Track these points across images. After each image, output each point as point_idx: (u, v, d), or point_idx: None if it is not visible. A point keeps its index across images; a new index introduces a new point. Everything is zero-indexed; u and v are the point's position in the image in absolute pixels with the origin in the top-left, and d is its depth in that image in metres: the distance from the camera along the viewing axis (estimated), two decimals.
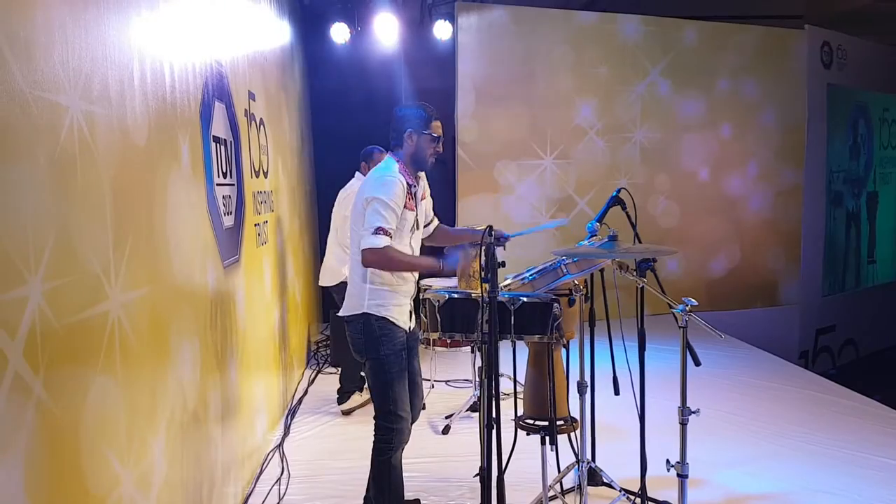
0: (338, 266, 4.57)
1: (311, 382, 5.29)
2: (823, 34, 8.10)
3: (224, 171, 3.17)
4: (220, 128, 3.13)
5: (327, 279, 4.72)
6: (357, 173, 4.83)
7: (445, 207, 7.11)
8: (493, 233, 2.34)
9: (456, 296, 2.63)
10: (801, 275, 8.17)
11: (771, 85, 7.81)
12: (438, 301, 2.63)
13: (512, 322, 2.60)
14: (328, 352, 5.88)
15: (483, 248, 2.30)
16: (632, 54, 7.30)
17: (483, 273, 2.30)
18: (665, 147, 7.58)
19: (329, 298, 4.86)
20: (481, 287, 2.31)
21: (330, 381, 5.14)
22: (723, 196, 7.87)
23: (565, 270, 2.81)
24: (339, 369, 4.79)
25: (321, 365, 5.71)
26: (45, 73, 1.49)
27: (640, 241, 3.01)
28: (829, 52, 8.19)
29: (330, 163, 7.17)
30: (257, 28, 4.28)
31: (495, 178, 7.07)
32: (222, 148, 3.15)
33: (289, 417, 4.46)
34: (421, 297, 2.84)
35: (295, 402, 4.79)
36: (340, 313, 2.91)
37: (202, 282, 2.68)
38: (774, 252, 8.11)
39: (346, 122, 7.30)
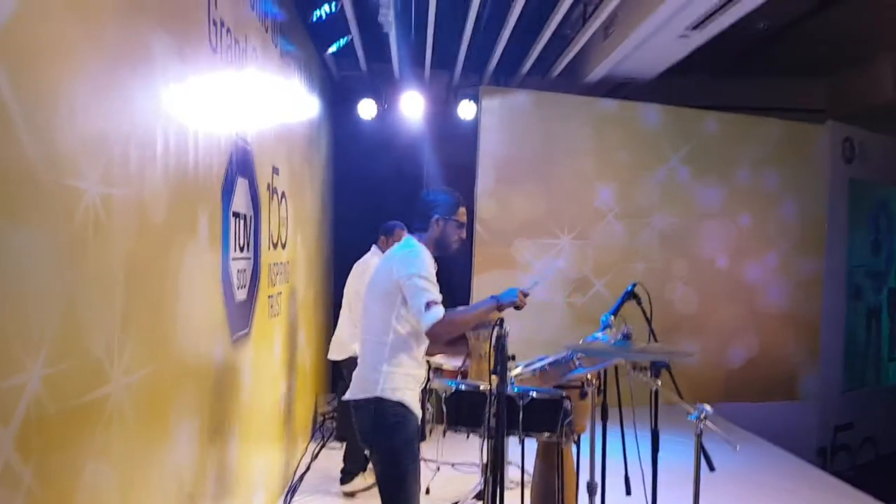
0: (348, 341, 4.54)
1: (314, 457, 5.19)
2: (845, 129, 8.14)
3: (241, 245, 3.19)
4: (241, 203, 3.16)
5: (336, 353, 4.69)
6: (374, 247, 4.84)
7: (461, 282, 7.11)
8: (504, 326, 2.31)
9: (463, 388, 2.58)
10: (820, 369, 7.99)
11: (792, 177, 7.83)
12: (445, 392, 2.59)
13: (521, 418, 2.54)
14: (334, 425, 5.79)
15: (493, 339, 2.27)
16: (652, 140, 7.37)
17: (492, 365, 2.26)
18: (684, 233, 7.56)
19: (338, 369, 4.81)
20: (489, 379, 2.27)
21: (334, 457, 5.03)
22: (741, 285, 7.79)
23: (577, 363, 2.77)
24: (344, 444, 4.70)
25: (326, 439, 5.61)
26: (64, 156, 1.51)
27: (654, 338, 2.96)
28: (851, 148, 8.22)
29: (348, 233, 7.22)
30: (287, 103, 4.38)
31: (512, 255, 7.07)
32: (241, 223, 3.18)
33: (288, 495, 4.35)
34: (427, 387, 2.79)
35: (296, 480, 4.68)
36: (347, 397, 2.84)
37: (208, 357, 2.66)
38: (793, 344, 7.97)
39: (367, 193, 7.40)
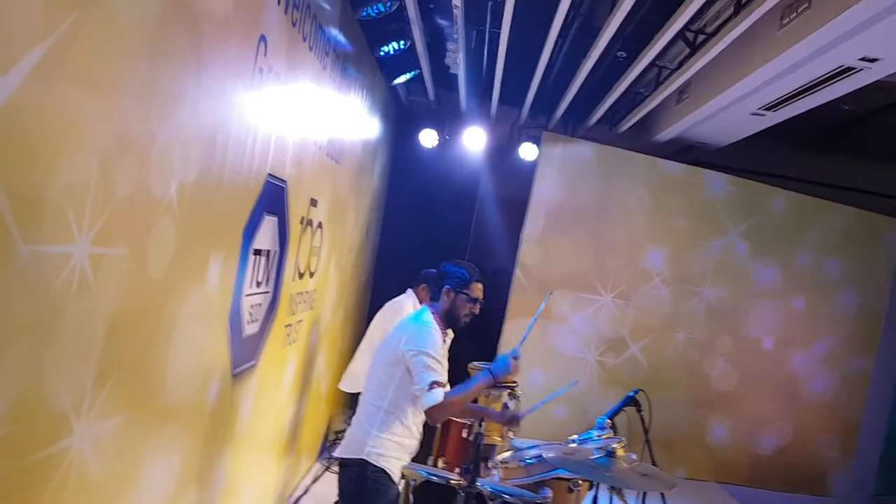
0: (362, 375, 4.54)
1: (315, 480, 5.22)
2: None
3: (259, 280, 3.23)
4: (265, 240, 3.20)
5: (348, 385, 4.71)
6: (410, 290, 4.85)
7: (494, 324, 7.05)
8: (482, 423, 2.28)
9: (435, 479, 2.54)
10: (852, 469, 7.62)
11: (855, 267, 7.50)
12: (415, 480, 2.56)
13: None
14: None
15: (475, 440, 2.23)
16: (713, 210, 7.17)
17: (454, 464, 2.22)
18: (733, 308, 7.32)
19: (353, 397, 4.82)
20: (459, 477, 2.23)
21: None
22: (784, 370, 7.49)
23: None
24: None
25: (332, 461, 5.63)
26: (50, 230, 1.55)
27: (651, 452, 2.86)
28: None
29: (394, 258, 7.26)
30: (339, 133, 4.42)
31: (549, 305, 6.96)
32: (263, 259, 3.22)
33: None
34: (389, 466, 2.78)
35: (293, 502, 4.71)
36: (336, 453, 2.87)
37: (197, 396, 2.69)
38: (829, 440, 7.62)
39: (419, 220, 7.44)
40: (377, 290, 7.22)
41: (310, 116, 3.65)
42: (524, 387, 6.47)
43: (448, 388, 2.75)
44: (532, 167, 7.00)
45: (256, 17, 2.65)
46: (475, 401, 3.44)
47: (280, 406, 4.13)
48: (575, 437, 3.01)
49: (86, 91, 1.59)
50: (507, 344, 6.79)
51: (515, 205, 7.07)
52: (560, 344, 6.99)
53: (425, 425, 3.06)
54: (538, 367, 6.89)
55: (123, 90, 1.76)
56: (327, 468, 5.49)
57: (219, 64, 2.35)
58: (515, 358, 2.98)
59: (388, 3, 4.07)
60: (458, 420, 3.80)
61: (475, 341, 7.68)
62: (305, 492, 4.96)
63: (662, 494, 2.75)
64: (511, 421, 3.07)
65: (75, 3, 1.49)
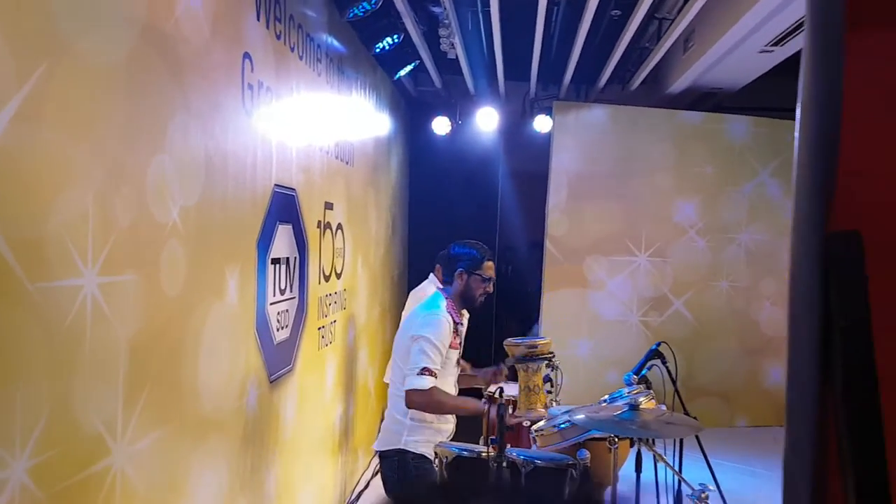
0: None
1: (375, 473, 5.34)
2: None
3: (282, 288, 3.34)
4: (282, 248, 3.30)
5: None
6: (431, 275, 4.92)
7: (532, 299, 7.08)
8: (502, 393, 2.34)
9: (465, 454, 2.62)
10: None
11: None
12: (446, 457, 2.63)
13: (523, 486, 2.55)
14: None
15: (495, 415, 2.30)
16: (739, 154, 7.06)
17: (491, 435, 2.29)
18: (773, 250, 7.21)
19: None
20: (487, 447, 2.30)
21: None
22: None
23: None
24: None
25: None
26: (54, 266, 1.66)
27: (682, 401, 2.88)
28: None
29: (425, 243, 7.34)
30: (347, 135, 4.50)
31: (584, 273, 6.96)
32: (282, 267, 3.33)
33: None
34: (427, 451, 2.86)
35: (353, 497, 4.85)
36: (375, 446, 2.96)
37: (237, 405, 2.81)
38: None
39: (441, 207, 7.50)
40: (413, 281, 7.29)
41: (310, 123, 3.73)
42: (572, 356, 6.55)
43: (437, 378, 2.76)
44: (548, 139, 6.99)
45: (236, 35, 2.74)
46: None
47: (326, 406, 4.25)
48: (606, 396, 3.05)
49: (69, 131, 1.69)
50: (546, 316, 6.82)
51: (538, 178, 7.08)
52: (601, 310, 6.99)
53: None
54: (584, 337, 6.92)
55: (107, 125, 1.86)
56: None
57: (204, 86, 2.44)
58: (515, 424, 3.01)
59: (374, 1, 4.12)
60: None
61: (516, 316, 7.74)
62: (367, 486, 5.10)
63: (699, 441, 2.77)
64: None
65: (44, 54, 1.58)
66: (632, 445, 3.12)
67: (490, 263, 3.01)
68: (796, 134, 0.83)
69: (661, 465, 2.91)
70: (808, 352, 0.81)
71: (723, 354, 7.10)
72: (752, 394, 7.27)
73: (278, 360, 3.28)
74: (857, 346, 0.76)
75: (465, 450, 2.63)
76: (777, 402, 7.48)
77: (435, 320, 2.80)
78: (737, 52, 5.62)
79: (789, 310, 0.89)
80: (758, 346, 7.25)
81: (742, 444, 6.38)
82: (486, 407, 2.79)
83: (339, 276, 4.44)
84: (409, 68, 5.51)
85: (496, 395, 2.31)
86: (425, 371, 2.68)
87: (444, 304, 2.89)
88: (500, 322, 7.65)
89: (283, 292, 3.34)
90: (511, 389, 4.40)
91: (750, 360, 7.25)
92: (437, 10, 5.40)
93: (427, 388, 2.68)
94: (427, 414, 2.80)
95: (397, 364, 2.88)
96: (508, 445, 2.40)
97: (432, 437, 2.80)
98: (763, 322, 7.26)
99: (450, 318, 2.83)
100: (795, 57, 5.87)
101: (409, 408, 2.77)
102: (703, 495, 2.43)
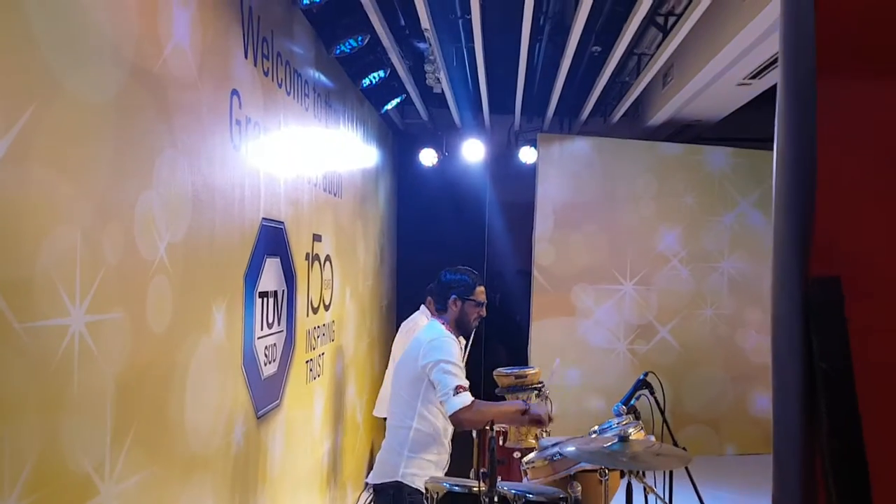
0: None
1: None
2: None
3: (270, 321, 3.34)
4: (270, 282, 3.31)
5: (381, 409, 4.78)
6: (422, 306, 4.94)
7: (520, 329, 7.10)
8: (493, 427, 2.34)
9: (457, 489, 2.61)
10: None
11: None
12: (437, 493, 2.62)
13: None
14: None
15: (485, 444, 2.30)
16: (719, 184, 7.16)
17: (481, 468, 2.29)
18: (755, 278, 7.27)
19: None
20: (479, 484, 2.30)
21: None
22: None
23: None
24: None
25: (366, 488, 5.70)
26: (42, 306, 1.66)
27: (670, 432, 2.89)
28: None
29: (414, 274, 7.35)
30: (334, 168, 4.53)
31: (572, 301, 6.99)
32: (270, 301, 3.33)
33: None
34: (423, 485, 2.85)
35: None
36: (370, 479, 2.95)
37: (224, 442, 2.79)
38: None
39: (430, 238, 7.53)
40: (401, 311, 7.30)
41: (298, 157, 3.76)
42: (561, 387, 6.54)
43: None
44: (534, 170, 7.06)
45: (224, 73, 2.77)
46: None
47: (314, 441, 4.22)
48: (596, 427, 3.06)
49: (57, 172, 1.71)
50: (535, 346, 6.83)
51: (525, 208, 7.14)
52: (589, 338, 7.01)
53: (455, 438, 3.12)
54: (572, 366, 6.92)
55: (95, 165, 1.87)
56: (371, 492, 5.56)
57: (192, 124, 2.47)
58: (551, 420, 3.06)
59: (360, 38, 4.19)
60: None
61: (506, 345, 7.74)
62: None
63: (689, 472, 2.78)
64: (534, 422, 3.11)
65: (33, 97, 1.60)
66: (622, 477, 3.12)
67: (482, 288, 3.05)
68: (773, 181, 0.86)
69: (651, 496, 2.90)
70: (792, 396, 0.83)
71: (710, 382, 7.13)
72: (740, 421, 7.28)
73: (266, 395, 3.27)
74: (841, 389, 0.78)
75: (457, 485, 2.62)
76: (766, 430, 7.48)
77: (442, 343, 2.83)
78: (715, 86, 5.73)
79: (773, 354, 0.91)
80: (744, 374, 7.28)
81: (732, 473, 6.38)
82: (525, 408, 2.84)
83: (327, 308, 4.43)
84: (395, 102, 5.57)
85: (487, 428, 2.31)
86: (459, 388, 2.70)
87: (443, 329, 2.92)
88: (490, 350, 7.65)
89: (270, 326, 3.34)
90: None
91: (737, 387, 7.27)
92: (422, 45, 5.48)
93: (469, 403, 2.69)
94: (430, 447, 2.80)
95: (400, 396, 2.89)
96: (500, 479, 2.40)
97: (429, 470, 2.80)
98: (749, 350, 7.29)
99: (454, 339, 2.86)
100: (773, 89, 5.99)
101: (461, 428, 2.79)
102: None
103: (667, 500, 2.85)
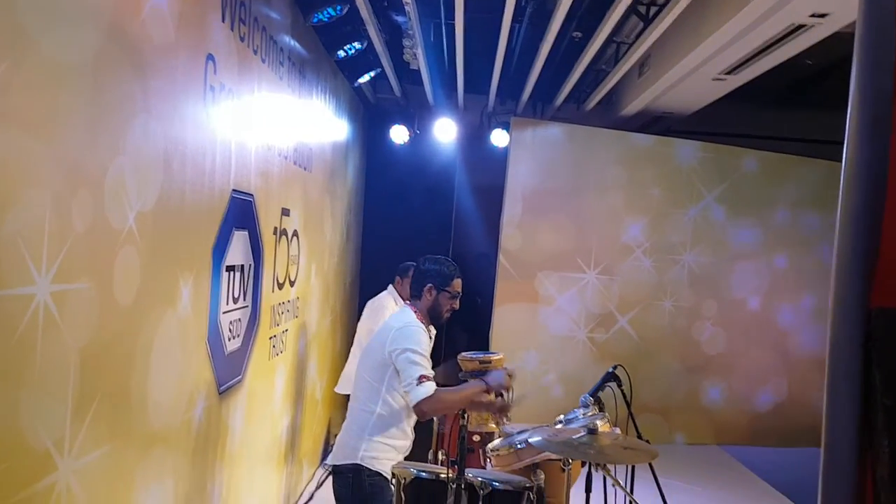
0: None
1: (319, 485, 5.26)
2: None
3: (236, 296, 3.26)
4: (237, 256, 3.22)
5: (344, 387, 4.74)
6: (390, 286, 4.89)
7: (483, 314, 7.10)
8: (465, 415, 2.32)
9: (424, 475, 2.59)
10: None
11: (834, 220, 7.56)
12: (405, 479, 2.60)
13: None
14: None
15: (459, 433, 2.28)
16: (686, 178, 7.23)
17: (453, 457, 2.27)
18: (715, 272, 7.40)
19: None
20: (448, 470, 2.28)
21: None
22: (773, 328, 7.58)
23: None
24: None
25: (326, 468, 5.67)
26: (8, 274, 1.57)
27: (635, 425, 2.91)
28: None
29: (379, 255, 7.29)
30: (304, 140, 4.43)
31: (535, 288, 7.02)
32: (237, 275, 3.24)
33: None
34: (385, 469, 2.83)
35: None
36: (329, 461, 2.92)
37: (185, 418, 2.72)
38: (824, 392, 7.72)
39: (398, 216, 7.47)
40: (365, 289, 7.23)
41: (270, 128, 3.66)
42: (518, 370, 6.57)
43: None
44: (505, 153, 7.03)
45: (201, 37, 2.66)
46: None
47: (274, 417, 4.16)
48: (561, 417, 3.07)
49: (29, 134, 1.61)
50: (497, 330, 6.85)
51: (493, 191, 7.11)
52: (550, 324, 7.06)
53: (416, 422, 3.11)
54: (531, 349, 6.96)
55: (68, 127, 1.78)
56: (330, 473, 5.53)
57: (166, 88, 2.37)
58: (511, 376, 3.04)
59: (339, 7, 4.08)
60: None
61: (468, 330, 7.74)
62: (311, 498, 5.01)
63: (650, 465, 2.81)
64: (501, 410, 3.11)
65: (3, 55, 1.50)
66: (583, 465, 3.14)
67: (459, 281, 3.03)
68: (839, 208, 0.83)
69: (610, 484, 2.93)
70: (848, 426, 0.81)
71: (664, 372, 7.24)
72: (691, 411, 7.43)
73: (228, 370, 3.20)
74: None
75: (424, 471, 2.60)
76: (715, 421, 7.66)
77: (411, 332, 2.80)
78: (690, 79, 5.76)
79: (828, 379, 0.89)
80: (698, 365, 7.42)
81: (683, 462, 6.51)
82: (486, 385, 2.84)
83: (292, 283, 4.36)
84: (369, 76, 5.47)
85: (458, 416, 2.29)
86: (423, 378, 2.68)
87: (414, 317, 2.89)
88: (450, 334, 7.64)
89: (236, 301, 3.26)
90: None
91: (690, 378, 7.41)
92: (401, 19, 5.38)
93: (432, 393, 2.67)
94: (391, 431, 2.78)
95: (364, 379, 2.85)
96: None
97: (390, 454, 2.77)
98: (704, 342, 7.43)
99: (424, 328, 2.83)
100: (747, 85, 6.04)
101: (424, 419, 2.77)
102: None
103: (629, 489, 2.87)
